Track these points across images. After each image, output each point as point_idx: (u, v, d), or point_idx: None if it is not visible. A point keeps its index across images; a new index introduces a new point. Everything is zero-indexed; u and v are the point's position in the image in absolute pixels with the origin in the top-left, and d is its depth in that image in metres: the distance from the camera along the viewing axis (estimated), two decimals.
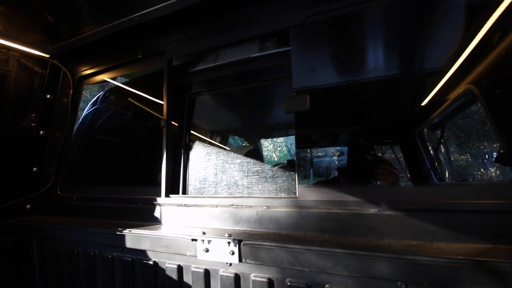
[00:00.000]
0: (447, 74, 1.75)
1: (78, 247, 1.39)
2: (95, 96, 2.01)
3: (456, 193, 0.82)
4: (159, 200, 1.29)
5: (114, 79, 1.90)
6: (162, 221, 1.28)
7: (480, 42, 1.33)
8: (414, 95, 2.16)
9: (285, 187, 1.16)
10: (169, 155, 1.30)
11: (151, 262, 1.19)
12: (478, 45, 1.35)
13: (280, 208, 1.02)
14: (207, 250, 1.06)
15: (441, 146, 2.39)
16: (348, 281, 0.88)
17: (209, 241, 1.05)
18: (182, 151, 1.41)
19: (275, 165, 1.33)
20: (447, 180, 2.30)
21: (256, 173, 1.21)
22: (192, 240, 1.10)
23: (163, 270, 1.17)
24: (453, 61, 1.57)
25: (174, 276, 1.14)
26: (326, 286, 0.91)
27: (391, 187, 1.08)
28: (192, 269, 1.10)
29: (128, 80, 1.89)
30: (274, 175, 1.18)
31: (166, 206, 1.28)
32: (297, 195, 1.01)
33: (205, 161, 1.37)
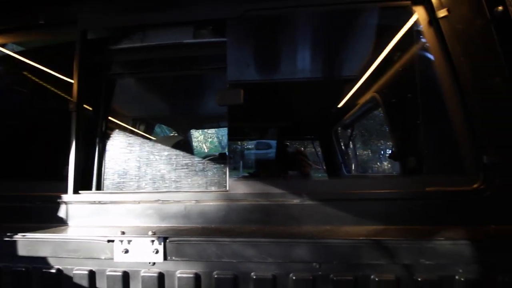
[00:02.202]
0: (359, 82, 2.04)
1: None
2: None
3: (360, 184, 0.98)
4: (66, 197, 1.09)
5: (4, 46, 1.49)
6: (69, 222, 1.10)
7: (384, 58, 1.58)
8: (333, 97, 2.42)
9: (215, 181, 1.15)
10: (79, 144, 1.11)
11: (53, 271, 1.01)
12: (383, 60, 1.61)
13: (209, 202, 1.01)
14: (126, 251, 0.97)
15: (351, 143, 2.78)
16: (271, 267, 0.95)
17: (129, 241, 0.96)
18: (98, 140, 1.22)
19: (205, 157, 1.29)
20: (354, 172, 2.69)
21: (185, 166, 1.16)
22: (109, 241, 0.98)
23: (69, 278, 1.01)
24: (363, 71, 1.83)
25: (85, 283, 1.00)
26: (252, 274, 0.95)
27: (310, 180, 1.20)
28: (108, 273, 0.99)
29: (27, 49, 1.51)
30: (204, 168, 1.15)
31: (75, 205, 1.10)
32: (227, 188, 1.02)
33: (126, 152, 1.22)
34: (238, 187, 1.01)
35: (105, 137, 1.26)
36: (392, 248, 0.87)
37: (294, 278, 0.94)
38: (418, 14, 1.00)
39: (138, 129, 1.79)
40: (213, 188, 1.12)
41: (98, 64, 1.27)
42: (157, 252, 0.94)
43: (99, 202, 1.09)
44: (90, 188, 1.20)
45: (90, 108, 1.25)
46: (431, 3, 0.97)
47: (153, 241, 0.93)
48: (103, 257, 0.99)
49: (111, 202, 1.08)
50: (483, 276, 0.91)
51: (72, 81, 1.14)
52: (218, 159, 1.66)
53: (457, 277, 0.92)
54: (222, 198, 1.00)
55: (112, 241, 0.98)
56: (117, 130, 1.29)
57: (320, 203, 0.96)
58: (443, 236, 0.86)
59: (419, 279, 0.92)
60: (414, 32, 1.12)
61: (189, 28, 1.14)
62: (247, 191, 1.00)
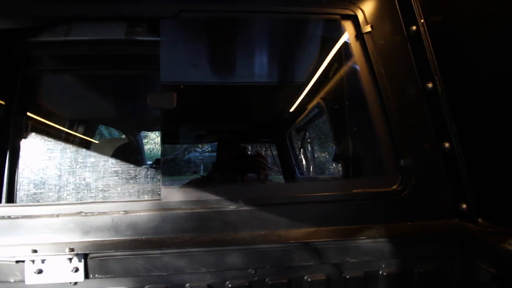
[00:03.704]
0: (307, 88, 2.13)
1: None
2: None
3: (294, 188, 1.01)
4: None
5: None
6: None
7: (326, 67, 1.68)
8: (284, 102, 2.49)
9: (149, 189, 1.08)
10: None
11: None
12: (326, 69, 1.71)
13: (140, 212, 0.94)
14: (39, 272, 0.85)
15: (300, 146, 2.89)
16: (206, 277, 0.92)
17: (42, 261, 0.85)
18: (8, 145, 1.06)
19: (137, 164, 1.21)
20: (299, 175, 2.79)
21: (114, 174, 1.06)
22: (17, 262, 0.86)
23: None
24: (310, 78, 1.92)
25: None
26: (187, 285, 0.92)
27: (247, 185, 1.21)
28: None
29: None
30: (136, 175, 1.07)
31: None
32: (160, 197, 0.96)
33: (45, 158, 1.08)
34: (172, 195, 0.96)
35: (20, 141, 1.10)
36: (321, 249, 0.92)
37: (230, 285, 0.93)
38: (347, 29, 1.07)
39: (60, 133, 1.60)
40: (146, 197, 1.05)
41: (12, 58, 1.11)
42: (76, 270, 0.85)
43: (9, 217, 0.94)
44: None
45: (2, 108, 1.09)
46: (357, 19, 1.05)
47: (70, 258, 0.83)
48: (12, 280, 0.86)
49: (24, 217, 0.94)
50: (403, 269, 1.01)
51: None
52: (153, 165, 1.57)
53: (380, 272, 1.00)
54: (155, 207, 0.95)
55: (22, 261, 0.86)
56: (34, 134, 1.14)
57: (255, 208, 0.96)
58: (366, 235, 0.93)
59: (347, 277, 0.98)
60: (345, 44, 1.20)
61: (122, 24, 1.06)
62: (182, 198, 0.96)
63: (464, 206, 1.00)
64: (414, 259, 1.01)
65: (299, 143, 2.99)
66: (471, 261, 0.95)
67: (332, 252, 0.92)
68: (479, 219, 0.98)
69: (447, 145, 0.99)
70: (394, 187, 1.02)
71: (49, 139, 1.13)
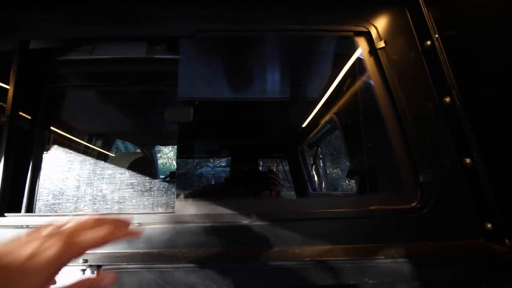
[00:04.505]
0: (320, 103, 2.13)
1: None
2: None
3: (308, 204, 0.99)
4: None
5: None
6: None
7: (340, 82, 1.68)
8: (297, 117, 2.50)
9: (163, 201, 1.08)
10: (9, 160, 1.00)
11: None
12: (339, 84, 1.72)
13: (154, 224, 0.94)
14: (53, 282, 0.86)
15: (312, 162, 2.86)
16: None
17: None
18: (32, 156, 1.11)
19: (153, 176, 1.23)
20: (312, 191, 2.75)
21: (130, 186, 1.08)
22: None
23: None
24: (323, 93, 1.93)
25: None
26: None
27: (261, 200, 1.19)
28: None
29: None
30: (151, 187, 1.09)
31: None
32: (174, 209, 0.97)
33: (65, 170, 1.12)
34: (186, 208, 0.96)
35: (42, 154, 1.15)
36: (337, 268, 0.88)
37: None
38: (360, 45, 1.09)
39: (80, 146, 1.67)
40: (159, 210, 1.06)
41: (39, 75, 1.19)
42: None
43: (27, 226, 0.96)
44: (19, 210, 1.07)
45: (27, 122, 1.15)
46: (370, 35, 1.06)
47: (84, 270, 0.84)
48: None
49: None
50: None
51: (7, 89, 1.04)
52: (167, 178, 1.59)
53: None
54: (168, 220, 0.95)
55: None
56: (56, 146, 1.19)
57: (269, 224, 0.94)
58: (384, 254, 0.89)
59: None
60: (359, 60, 1.21)
61: (143, 43, 1.12)
62: (195, 212, 0.95)
63: (489, 225, 0.94)
64: (437, 281, 0.95)
65: (311, 158, 2.96)
66: (499, 285, 0.88)
67: (349, 272, 0.88)
68: (506, 240, 0.92)
69: (468, 160, 0.96)
70: (413, 204, 0.98)
71: (69, 151, 1.18)
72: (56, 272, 0.47)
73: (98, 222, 0.53)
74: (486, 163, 0.93)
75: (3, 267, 0.42)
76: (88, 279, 0.54)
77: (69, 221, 0.52)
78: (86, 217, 0.53)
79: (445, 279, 0.94)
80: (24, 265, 0.43)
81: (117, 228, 0.54)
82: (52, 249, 0.46)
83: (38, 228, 0.50)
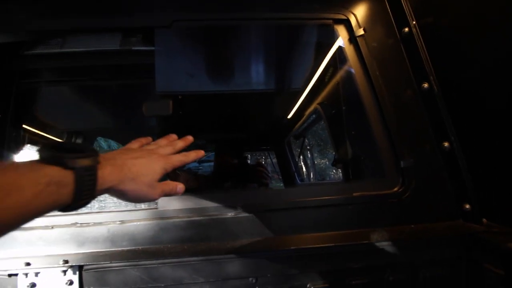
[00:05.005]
0: (304, 94, 2.13)
1: None
2: None
3: (293, 193, 0.99)
4: None
5: None
6: None
7: (322, 72, 1.68)
8: (282, 109, 2.49)
9: None
10: None
11: None
12: (321, 74, 1.71)
13: (137, 221, 0.92)
14: (33, 285, 0.83)
15: (299, 153, 2.88)
16: (205, 287, 0.89)
17: (36, 274, 0.83)
18: (4, 157, 1.05)
19: None
20: (300, 181, 2.77)
21: None
22: (10, 275, 0.83)
23: None
24: (307, 83, 1.93)
25: None
26: None
27: (245, 191, 1.19)
28: None
29: None
30: None
31: None
32: (157, 205, 0.94)
33: None
34: (169, 204, 0.94)
35: (16, 153, 1.09)
36: (323, 255, 0.89)
37: None
38: (340, 33, 1.08)
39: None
40: (142, 206, 1.03)
41: (7, 71, 1.12)
42: (71, 283, 0.83)
43: None
44: None
45: None
46: (350, 23, 1.06)
47: (65, 271, 0.81)
48: None
49: (19, 229, 0.92)
50: (408, 273, 0.98)
51: None
52: None
53: (385, 277, 0.97)
54: (151, 216, 0.93)
55: (15, 274, 0.83)
56: (31, 146, 1.13)
57: (255, 215, 0.94)
58: (369, 238, 0.91)
59: (352, 283, 0.95)
60: (340, 49, 1.21)
61: (116, 35, 1.07)
62: (179, 207, 0.94)
63: (467, 206, 0.98)
64: (420, 263, 0.98)
65: (298, 150, 2.98)
66: (478, 263, 0.92)
67: (335, 258, 0.90)
68: (484, 219, 0.96)
69: (446, 144, 0.98)
70: (395, 189, 1.00)
71: None
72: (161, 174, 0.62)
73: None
74: (463, 146, 0.96)
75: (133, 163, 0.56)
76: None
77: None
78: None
79: (427, 260, 0.97)
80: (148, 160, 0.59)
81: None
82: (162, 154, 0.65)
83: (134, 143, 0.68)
